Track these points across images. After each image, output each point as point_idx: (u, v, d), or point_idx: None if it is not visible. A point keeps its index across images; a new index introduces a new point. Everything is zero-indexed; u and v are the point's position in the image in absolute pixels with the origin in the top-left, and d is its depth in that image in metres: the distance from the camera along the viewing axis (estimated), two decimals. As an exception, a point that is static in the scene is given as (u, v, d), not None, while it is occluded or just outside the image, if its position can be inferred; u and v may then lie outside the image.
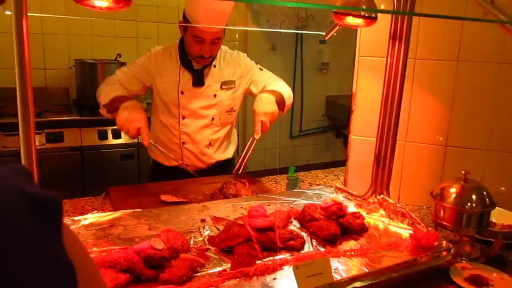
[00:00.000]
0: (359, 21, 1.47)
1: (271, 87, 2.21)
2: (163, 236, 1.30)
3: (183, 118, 2.21)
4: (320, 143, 5.28)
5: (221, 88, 2.23)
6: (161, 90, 2.19)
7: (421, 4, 1.66)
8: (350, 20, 1.48)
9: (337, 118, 5.04)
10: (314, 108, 5.16)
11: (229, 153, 2.43)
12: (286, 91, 2.25)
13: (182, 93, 2.17)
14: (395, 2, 1.54)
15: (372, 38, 1.91)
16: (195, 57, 2.09)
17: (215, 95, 2.22)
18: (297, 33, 4.84)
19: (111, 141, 3.51)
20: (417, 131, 1.92)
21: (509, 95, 1.76)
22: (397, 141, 1.91)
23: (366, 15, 1.42)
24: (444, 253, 1.40)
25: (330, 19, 1.76)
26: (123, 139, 3.53)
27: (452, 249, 1.43)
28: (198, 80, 2.18)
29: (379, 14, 1.58)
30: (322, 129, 5.24)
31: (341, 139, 5.15)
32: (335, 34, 1.84)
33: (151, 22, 4.14)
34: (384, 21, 1.66)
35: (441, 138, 1.91)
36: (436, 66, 1.84)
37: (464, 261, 1.45)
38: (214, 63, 2.21)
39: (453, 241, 1.50)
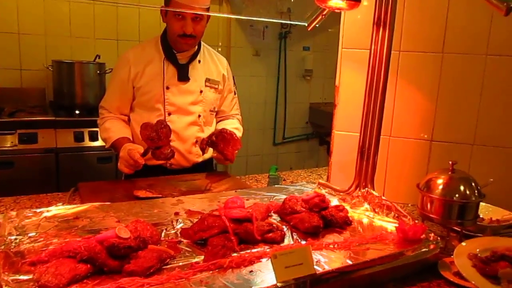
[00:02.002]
0: (342, 3, 1.41)
1: (227, 125, 2.20)
2: (131, 226, 1.20)
3: (169, 114, 2.12)
4: (303, 151, 5.22)
5: (205, 84, 2.17)
6: (144, 86, 2.09)
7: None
8: (333, 2, 1.42)
9: (321, 125, 5.00)
10: (297, 115, 5.11)
11: (210, 152, 2.35)
12: (238, 132, 2.22)
13: (167, 88, 2.09)
14: (379, -13, 1.49)
15: (356, 30, 1.86)
16: (176, 37, 2.02)
17: (201, 91, 2.16)
18: (280, 40, 4.81)
19: (87, 143, 3.38)
20: (402, 126, 1.86)
21: (494, 87, 1.72)
22: (382, 136, 1.85)
23: (349, -4, 1.36)
24: (432, 246, 1.32)
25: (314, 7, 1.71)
26: (100, 142, 3.41)
27: (440, 243, 1.35)
28: (183, 75, 2.11)
29: (363, 3, 1.54)
30: (306, 136, 5.18)
31: (324, 146, 5.10)
32: (317, 25, 1.79)
33: (132, 23, 4.06)
34: (368, 11, 1.61)
35: (425, 136, 1.86)
36: (420, 58, 1.79)
37: (452, 256, 1.37)
38: (198, 58, 2.15)
39: (441, 236, 1.43)
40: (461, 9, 1.70)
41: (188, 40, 2.04)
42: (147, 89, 2.09)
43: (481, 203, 1.54)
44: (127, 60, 2.09)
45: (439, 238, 1.34)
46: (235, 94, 2.36)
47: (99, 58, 3.67)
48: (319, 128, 5.11)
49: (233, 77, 2.37)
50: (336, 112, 1.95)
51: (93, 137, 3.39)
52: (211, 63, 2.22)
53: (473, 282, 1.17)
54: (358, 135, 1.65)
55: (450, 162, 1.43)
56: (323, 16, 1.74)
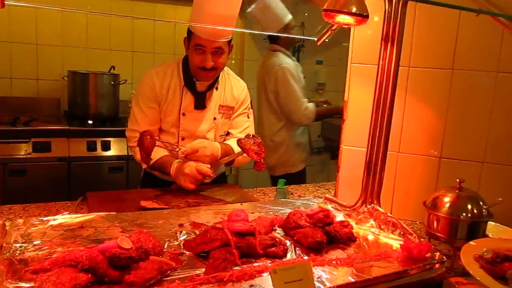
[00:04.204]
0: (350, 19, 1.41)
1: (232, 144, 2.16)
2: (134, 236, 1.20)
3: (182, 139, 2.14)
4: (315, 164, 5.19)
5: (219, 111, 2.19)
6: (163, 110, 2.12)
7: (414, 6, 1.61)
8: (341, 18, 1.42)
9: (333, 139, 4.96)
10: (309, 129, 5.09)
11: (222, 168, 2.36)
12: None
13: (183, 114, 2.12)
14: (387, 4, 1.50)
15: (365, 45, 1.86)
16: (197, 69, 2.03)
17: (214, 118, 2.18)
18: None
19: (100, 152, 3.43)
20: (411, 142, 1.84)
21: (505, 104, 1.69)
22: (389, 152, 1.83)
23: (357, 12, 1.37)
24: (437, 265, 1.30)
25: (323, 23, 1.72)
26: (113, 151, 3.45)
27: (446, 262, 1.33)
28: (200, 103, 2.13)
29: (372, 19, 1.54)
30: (317, 150, 5.16)
31: (336, 161, 5.06)
32: (327, 40, 1.80)
33: (148, 36, 4.13)
34: (377, 27, 1.61)
35: (435, 152, 1.84)
36: (430, 74, 1.78)
37: (459, 276, 1.34)
38: (216, 85, 2.16)
39: (448, 255, 1.40)
40: (471, 26, 1.69)
41: (208, 73, 2.04)
42: (166, 113, 2.12)
43: (490, 223, 1.51)
44: (153, 81, 2.09)
45: (444, 257, 1.32)
46: (248, 117, 2.31)
47: (113, 69, 3.73)
48: (331, 142, 5.08)
49: (251, 102, 2.37)
50: (345, 127, 1.95)
51: (105, 146, 3.44)
52: (227, 89, 2.22)
53: (486, 284, 1.14)
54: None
55: (458, 180, 1.41)
56: (332, 31, 1.75)
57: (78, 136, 3.37)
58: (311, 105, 3.45)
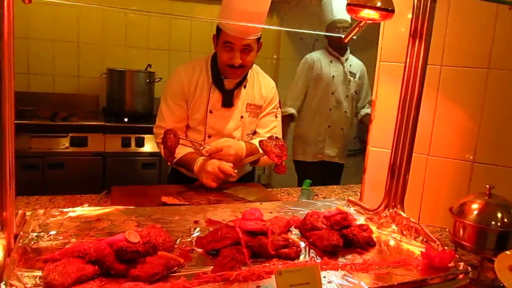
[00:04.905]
0: (375, 14, 1.36)
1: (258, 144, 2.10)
2: (145, 231, 1.21)
3: (209, 137, 2.14)
4: (350, 166, 5.05)
5: (246, 110, 2.17)
6: (191, 107, 2.12)
7: (448, 2, 1.53)
8: (365, 13, 1.37)
9: (369, 141, 4.84)
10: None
11: (247, 167, 2.34)
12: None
13: (210, 112, 2.11)
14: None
15: (395, 42, 1.78)
16: (225, 67, 2.02)
17: (242, 117, 2.16)
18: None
19: (133, 148, 3.51)
20: (441, 145, 1.75)
21: (546, 107, 1.57)
22: (419, 155, 1.76)
23: (382, 7, 1.31)
24: (461, 276, 1.22)
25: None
26: (146, 148, 3.52)
27: (471, 273, 1.24)
28: (228, 101, 2.12)
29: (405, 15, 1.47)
30: (353, 152, 5.03)
31: (371, 163, 4.92)
32: (354, 37, 1.74)
33: (184, 35, 4.18)
34: (407, 24, 1.54)
35: (471, 157, 1.73)
36: (464, 73, 1.68)
37: (485, 289, 1.26)
38: (244, 83, 2.15)
39: (474, 266, 1.31)
40: (509, 22, 1.58)
41: (237, 70, 2.02)
42: (193, 110, 2.12)
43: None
44: (181, 78, 2.10)
45: (469, 268, 1.24)
46: (276, 117, 2.28)
47: (150, 67, 3.80)
48: (367, 144, 4.95)
49: (279, 101, 2.33)
50: (372, 127, 1.88)
51: (139, 143, 3.51)
52: (255, 88, 2.20)
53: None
54: (391, 152, 1.58)
55: (487, 186, 1.32)
56: (360, 28, 1.69)
57: (113, 132, 3.45)
58: (291, 110, 3.55)
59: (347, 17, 3.33)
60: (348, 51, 3.62)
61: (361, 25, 1.66)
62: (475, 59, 1.66)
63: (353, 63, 3.62)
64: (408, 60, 1.46)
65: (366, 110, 3.68)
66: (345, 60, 3.56)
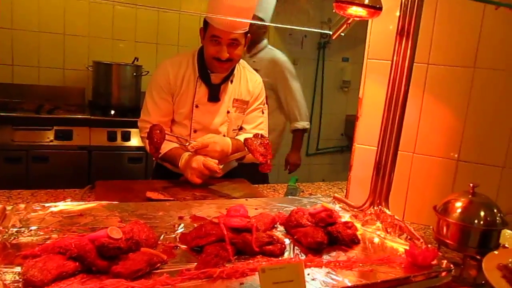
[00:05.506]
0: (362, 11, 1.35)
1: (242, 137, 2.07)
2: (127, 227, 1.19)
3: (195, 131, 2.12)
4: (337, 163, 5.10)
5: (233, 105, 2.15)
6: (177, 101, 2.10)
7: (435, 0, 1.53)
8: (353, 10, 1.36)
9: (357, 138, 4.87)
10: (332, 127, 5.01)
11: (233, 163, 2.33)
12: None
13: (196, 106, 2.09)
14: (404, -3, 1.42)
15: (383, 40, 1.78)
16: (212, 60, 2.00)
17: (228, 112, 2.15)
18: (319, 50, 4.76)
19: (120, 142, 3.46)
20: (427, 143, 1.76)
21: (530, 107, 1.59)
22: (404, 153, 1.76)
23: (370, 4, 1.30)
24: (444, 273, 1.23)
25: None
26: (132, 142, 3.48)
27: (454, 271, 1.25)
28: (214, 96, 2.10)
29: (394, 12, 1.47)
30: (340, 148, 5.07)
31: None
32: (342, 34, 1.74)
33: (172, 29, 4.14)
34: (395, 21, 1.54)
35: (456, 155, 1.75)
36: (450, 72, 1.69)
37: (468, 286, 1.27)
38: (231, 78, 2.13)
39: (456, 264, 1.32)
40: (495, 21, 1.59)
41: (224, 64, 2.00)
42: (179, 105, 2.10)
43: (507, 231, 1.42)
44: (167, 72, 2.07)
45: (452, 266, 1.24)
46: (262, 113, 2.27)
47: (137, 60, 3.76)
48: (353, 141, 4.98)
49: (266, 97, 2.32)
50: (358, 124, 1.88)
51: (126, 137, 3.47)
52: (242, 83, 2.18)
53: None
54: (377, 150, 1.58)
55: (471, 185, 1.33)
56: (348, 25, 1.68)
57: (99, 126, 3.40)
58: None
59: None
60: (262, 44, 3.27)
61: (349, 22, 1.66)
62: (461, 58, 1.67)
63: (258, 58, 3.24)
64: (395, 58, 1.46)
65: (296, 125, 3.40)
66: (249, 57, 3.22)
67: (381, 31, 1.80)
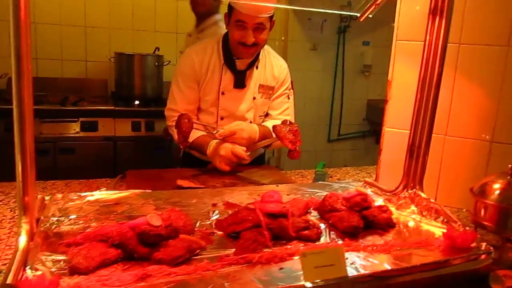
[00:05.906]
0: (393, -9, 1.32)
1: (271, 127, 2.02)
2: (165, 214, 1.20)
3: (221, 119, 2.13)
4: (358, 148, 5.06)
5: (259, 91, 2.15)
6: (203, 89, 2.10)
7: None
8: (382, -10, 1.33)
9: (378, 123, 4.79)
10: (354, 112, 4.96)
11: (260, 150, 2.33)
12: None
13: (222, 93, 2.10)
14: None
15: (412, 21, 1.74)
16: (237, 45, 1.99)
17: (254, 98, 2.14)
18: (339, 34, 4.69)
19: (144, 132, 3.50)
20: (459, 125, 1.72)
21: None
22: (436, 135, 1.73)
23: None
24: (483, 256, 1.21)
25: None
26: (157, 131, 3.51)
27: (494, 254, 1.23)
28: (240, 82, 2.10)
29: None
30: (362, 134, 5.02)
31: (381, 144, 4.91)
32: (370, 15, 1.70)
33: (192, 17, 4.13)
34: (423, 1, 1.50)
35: (487, 137, 1.71)
36: (483, 51, 1.65)
37: (507, 269, 1.25)
38: (256, 64, 2.12)
39: (496, 246, 1.30)
40: (531, -2, 1.54)
41: (249, 49, 1.99)
42: (205, 92, 2.10)
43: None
44: (192, 60, 2.08)
45: (491, 248, 1.23)
46: (288, 98, 2.26)
47: (158, 50, 3.78)
48: (376, 125, 4.91)
49: (291, 82, 2.31)
50: (388, 108, 1.86)
51: (150, 127, 3.50)
52: (267, 68, 2.17)
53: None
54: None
55: (510, 166, 1.30)
56: (376, 6, 1.64)
57: (123, 116, 3.45)
58: None
59: None
60: (212, 19, 2.98)
61: (377, 2, 1.63)
62: (494, 36, 1.62)
63: (204, 35, 2.92)
64: (428, 38, 1.43)
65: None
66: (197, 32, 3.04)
67: (410, 12, 1.76)
